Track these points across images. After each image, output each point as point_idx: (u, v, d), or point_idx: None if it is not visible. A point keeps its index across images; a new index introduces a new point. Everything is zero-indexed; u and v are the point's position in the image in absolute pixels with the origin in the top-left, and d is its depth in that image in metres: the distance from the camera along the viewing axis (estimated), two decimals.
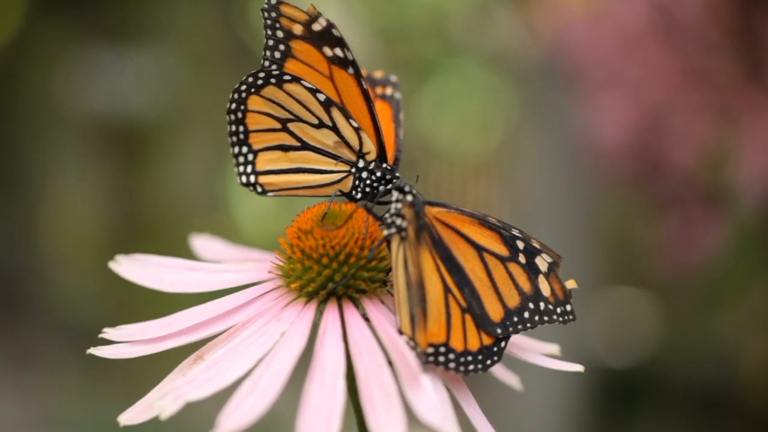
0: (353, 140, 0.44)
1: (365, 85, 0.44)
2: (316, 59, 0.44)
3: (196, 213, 2.73)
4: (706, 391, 1.67)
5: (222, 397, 0.38)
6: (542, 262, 0.42)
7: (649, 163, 1.43)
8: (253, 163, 0.45)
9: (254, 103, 0.45)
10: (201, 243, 0.50)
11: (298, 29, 0.44)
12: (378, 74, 0.50)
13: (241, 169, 0.45)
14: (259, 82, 0.44)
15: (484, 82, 2.89)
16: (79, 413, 1.89)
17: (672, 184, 1.43)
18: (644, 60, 1.42)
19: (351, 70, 0.44)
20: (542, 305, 0.41)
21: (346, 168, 0.44)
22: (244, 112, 0.45)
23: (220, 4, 2.84)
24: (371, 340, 0.39)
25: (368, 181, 0.44)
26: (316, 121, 0.44)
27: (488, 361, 0.40)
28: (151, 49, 2.75)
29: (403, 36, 2.99)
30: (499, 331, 0.40)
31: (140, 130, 2.72)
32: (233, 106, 0.45)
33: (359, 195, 0.45)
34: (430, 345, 0.39)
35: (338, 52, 0.44)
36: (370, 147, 0.44)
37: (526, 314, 0.41)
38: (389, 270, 0.42)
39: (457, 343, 0.39)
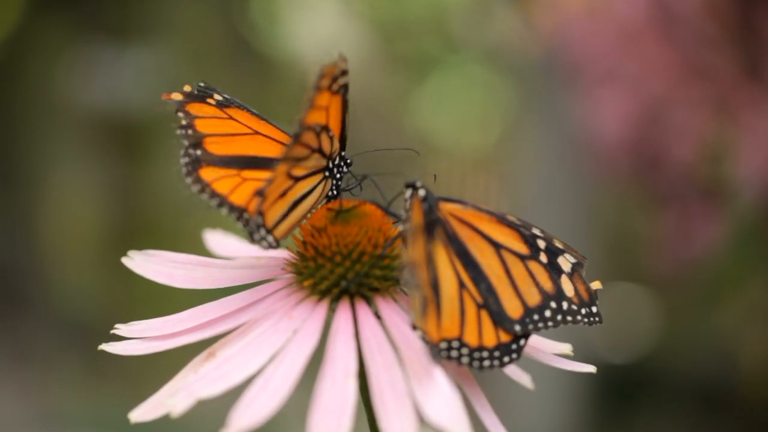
0: (326, 146, 0.42)
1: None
2: None
3: (197, 209, 2.72)
4: (706, 386, 1.68)
5: (230, 395, 0.38)
6: (565, 263, 0.41)
7: (648, 158, 1.43)
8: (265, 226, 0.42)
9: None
10: (214, 239, 0.50)
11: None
12: None
13: (260, 234, 0.42)
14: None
15: (484, 77, 2.88)
16: (78, 408, 1.89)
17: (671, 179, 1.43)
18: (643, 55, 1.42)
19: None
20: (565, 305, 0.41)
21: (321, 174, 0.43)
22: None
23: (220, 1, 2.84)
24: (383, 338, 0.39)
25: (338, 175, 0.44)
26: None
27: (506, 358, 0.40)
28: (151, 45, 2.74)
29: (402, 31, 2.99)
30: (518, 328, 0.40)
31: (140, 127, 2.71)
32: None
33: (336, 192, 0.44)
34: (443, 340, 0.38)
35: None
36: (336, 144, 0.43)
37: (548, 313, 0.40)
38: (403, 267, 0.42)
39: (471, 339, 0.39)
